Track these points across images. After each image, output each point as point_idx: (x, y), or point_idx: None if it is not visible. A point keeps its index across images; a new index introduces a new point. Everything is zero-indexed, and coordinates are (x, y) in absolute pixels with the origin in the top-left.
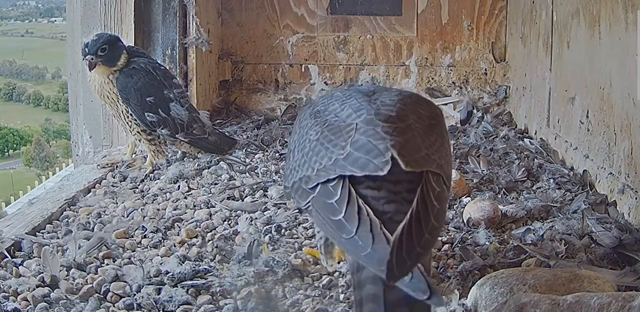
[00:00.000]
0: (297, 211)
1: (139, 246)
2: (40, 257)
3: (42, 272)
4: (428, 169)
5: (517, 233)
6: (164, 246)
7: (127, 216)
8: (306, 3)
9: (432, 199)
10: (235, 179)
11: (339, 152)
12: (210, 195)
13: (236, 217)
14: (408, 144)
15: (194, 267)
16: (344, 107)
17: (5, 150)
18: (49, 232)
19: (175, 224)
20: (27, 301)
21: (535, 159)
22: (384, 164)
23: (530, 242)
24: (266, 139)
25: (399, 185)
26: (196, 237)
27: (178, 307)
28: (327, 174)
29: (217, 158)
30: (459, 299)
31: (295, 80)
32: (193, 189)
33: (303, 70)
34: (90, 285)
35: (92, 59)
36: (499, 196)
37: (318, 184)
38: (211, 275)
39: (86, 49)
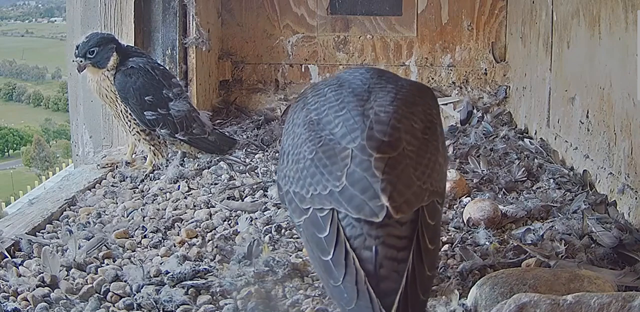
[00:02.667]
0: None
1: (139, 246)
2: (40, 257)
3: (42, 272)
4: (420, 205)
5: (517, 233)
6: (164, 246)
7: (127, 216)
8: (306, 3)
9: (427, 244)
10: (235, 179)
11: (334, 183)
12: (210, 195)
13: (236, 217)
14: (400, 181)
15: (194, 267)
16: (338, 122)
17: (5, 150)
18: (49, 232)
19: (175, 224)
20: (27, 301)
21: (535, 159)
22: (379, 209)
23: (530, 242)
24: (266, 139)
25: (388, 226)
26: (196, 237)
27: (178, 307)
28: (322, 203)
29: (217, 158)
30: (459, 299)
31: (295, 80)
32: (193, 189)
33: (303, 70)
34: (90, 285)
35: (81, 61)
36: (499, 196)
37: (311, 208)
38: (211, 275)
39: (76, 51)
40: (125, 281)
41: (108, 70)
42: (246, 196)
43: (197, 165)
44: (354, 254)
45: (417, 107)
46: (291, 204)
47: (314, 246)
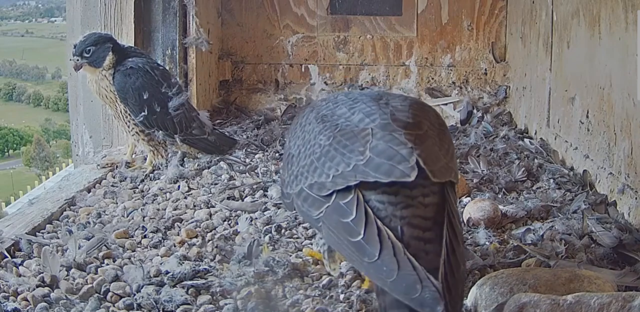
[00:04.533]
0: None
1: (139, 246)
2: (40, 257)
3: (42, 272)
4: (449, 179)
5: (517, 233)
6: (164, 246)
7: (127, 216)
8: (306, 3)
9: (458, 223)
10: (235, 179)
11: (357, 158)
12: (210, 195)
13: (236, 217)
14: (430, 153)
15: (194, 267)
16: (354, 111)
17: (5, 150)
18: (49, 232)
19: (175, 224)
20: (27, 301)
21: (535, 159)
22: (411, 169)
23: (530, 242)
24: (266, 139)
25: (414, 194)
26: (196, 237)
27: (178, 307)
28: (346, 181)
29: (217, 158)
30: None
31: (295, 80)
32: (193, 189)
33: (303, 70)
34: (90, 285)
35: (78, 60)
36: (499, 196)
37: (334, 192)
38: (211, 275)
39: (73, 50)
40: (125, 281)
41: (105, 69)
42: (246, 196)
43: (197, 165)
44: (387, 230)
45: (427, 106)
46: (307, 201)
47: (340, 231)
